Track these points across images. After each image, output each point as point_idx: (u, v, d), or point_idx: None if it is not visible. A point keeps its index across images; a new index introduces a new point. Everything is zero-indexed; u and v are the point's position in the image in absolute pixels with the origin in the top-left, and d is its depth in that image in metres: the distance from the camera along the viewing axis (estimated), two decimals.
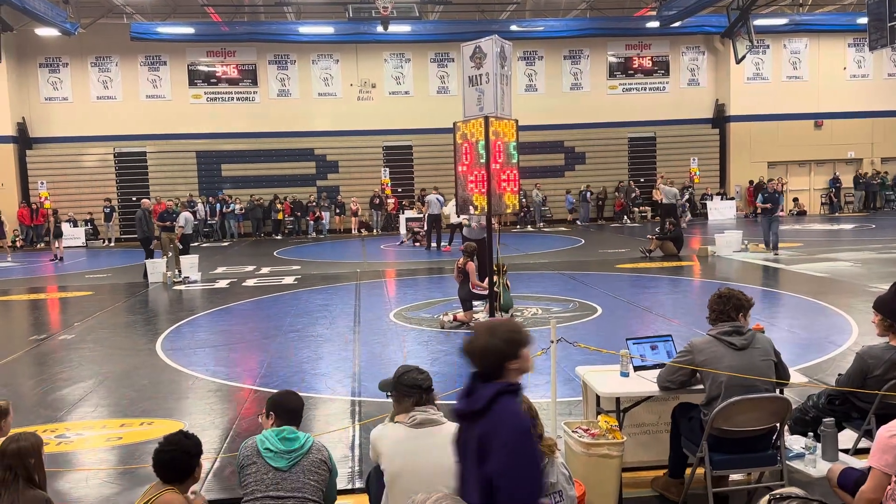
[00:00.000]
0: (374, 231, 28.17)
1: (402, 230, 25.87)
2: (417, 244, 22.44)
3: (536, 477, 2.57)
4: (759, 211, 18.09)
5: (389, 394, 3.83)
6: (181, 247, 16.92)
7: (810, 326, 9.63)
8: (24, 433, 3.68)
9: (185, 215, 17.57)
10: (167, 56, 28.01)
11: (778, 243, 16.88)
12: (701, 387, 4.43)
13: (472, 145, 5.53)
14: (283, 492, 3.46)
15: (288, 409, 3.70)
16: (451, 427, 3.66)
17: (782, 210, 17.73)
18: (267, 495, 3.46)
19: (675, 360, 4.52)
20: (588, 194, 29.14)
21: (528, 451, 2.56)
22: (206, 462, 5.41)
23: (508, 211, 5.72)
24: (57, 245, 21.90)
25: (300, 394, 3.96)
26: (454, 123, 5.70)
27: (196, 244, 22.29)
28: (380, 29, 24.78)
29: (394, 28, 25.16)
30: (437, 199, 21.36)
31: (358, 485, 5.03)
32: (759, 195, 17.96)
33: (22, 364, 9.18)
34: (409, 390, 3.69)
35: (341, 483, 4.62)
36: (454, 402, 2.83)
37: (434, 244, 21.17)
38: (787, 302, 11.59)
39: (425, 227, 21.87)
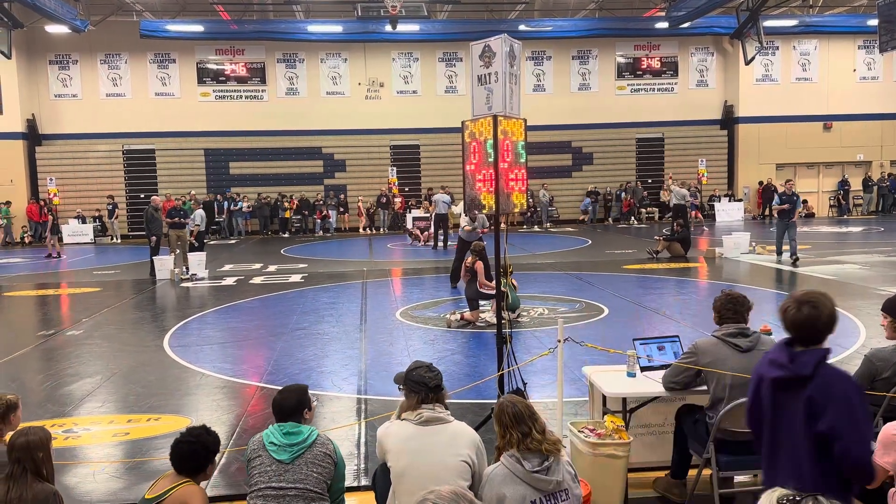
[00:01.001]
0: (382, 230, 28.19)
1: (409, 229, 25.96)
2: (419, 243, 22.46)
3: (870, 429, 2.89)
4: (766, 213, 17.82)
5: (401, 387, 3.86)
6: (196, 244, 16.94)
7: None
8: (33, 427, 3.70)
9: (200, 213, 17.64)
10: (176, 54, 28.12)
11: (797, 248, 15.69)
12: (706, 388, 4.43)
13: (480, 144, 5.53)
14: (285, 483, 3.50)
15: (281, 410, 3.72)
16: (457, 426, 3.67)
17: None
18: (269, 486, 3.50)
19: (680, 362, 4.52)
20: (622, 193, 29.27)
21: (863, 407, 2.89)
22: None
23: (516, 210, 5.71)
24: (53, 242, 21.89)
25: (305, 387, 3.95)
26: (462, 122, 5.69)
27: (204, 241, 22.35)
28: (388, 28, 24.81)
29: (402, 27, 25.19)
30: (444, 198, 21.38)
31: (364, 482, 5.05)
32: (776, 197, 16.57)
33: (30, 359, 9.23)
34: (416, 386, 3.70)
35: (347, 480, 4.63)
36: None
37: (441, 243, 21.18)
38: None
39: (432, 227, 21.91)
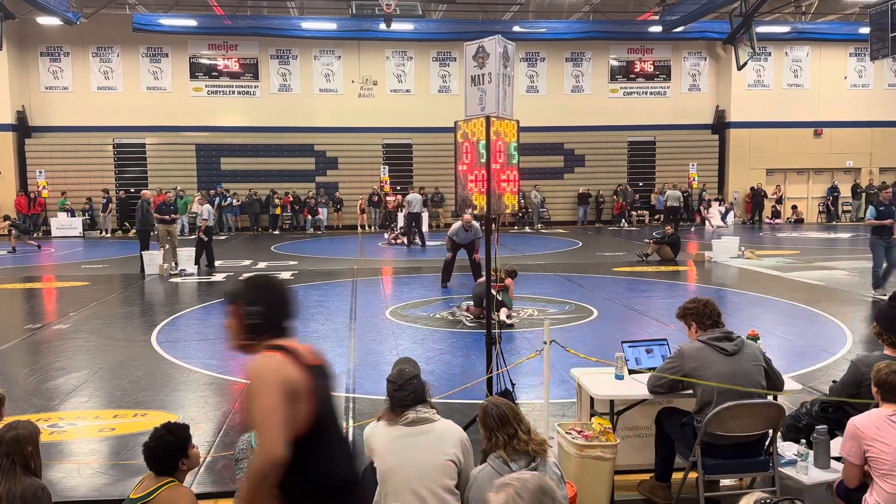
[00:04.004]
0: (373, 228, 28.15)
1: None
2: (399, 242, 22.40)
3: None
4: (756, 218, 17.65)
5: None
6: (204, 238, 16.82)
7: (805, 334, 9.65)
8: (22, 421, 3.68)
9: (207, 208, 17.53)
10: (169, 48, 27.97)
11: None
12: (691, 391, 4.44)
13: (472, 145, 5.53)
14: None
15: None
16: (443, 425, 3.67)
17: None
18: None
19: (664, 366, 4.53)
20: (696, 196, 29.23)
21: None
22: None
23: (508, 211, 5.72)
24: (18, 239, 21.66)
25: None
26: (455, 122, 5.70)
27: (193, 237, 22.26)
28: (382, 26, 24.76)
29: (396, 26, 25.15)
30: (417, 198, 21.71)
31: None
32: (871, 208, 12.07)
33: (16, 353, 9.17)
34: (387, 396, 3.70)
35: None
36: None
37: (418, 242, 21.36)
38: (782, 309, 11.61)
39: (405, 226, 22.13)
